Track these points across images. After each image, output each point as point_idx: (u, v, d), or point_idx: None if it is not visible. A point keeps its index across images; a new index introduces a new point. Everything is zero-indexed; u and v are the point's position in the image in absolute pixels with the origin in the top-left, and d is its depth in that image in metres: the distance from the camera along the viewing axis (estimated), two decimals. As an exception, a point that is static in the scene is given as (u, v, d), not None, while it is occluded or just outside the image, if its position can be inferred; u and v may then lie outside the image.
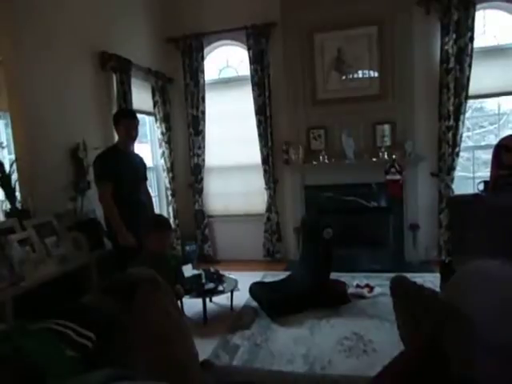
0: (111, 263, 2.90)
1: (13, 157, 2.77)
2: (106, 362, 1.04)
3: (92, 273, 2.71)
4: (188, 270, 3.93)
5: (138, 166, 3.13)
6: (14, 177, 2.63)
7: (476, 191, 3.27)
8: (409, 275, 1.22)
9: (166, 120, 4.61)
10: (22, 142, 2.76)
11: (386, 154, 4.14)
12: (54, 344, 0.99)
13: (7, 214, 2.57)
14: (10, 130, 2.85)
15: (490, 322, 0.85)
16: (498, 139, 3.51)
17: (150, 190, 3.50)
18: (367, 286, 3.46)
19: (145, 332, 1.17)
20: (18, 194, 2.65)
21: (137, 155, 3.30)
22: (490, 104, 4.45)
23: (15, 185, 2.61)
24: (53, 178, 2.93)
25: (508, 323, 0.81)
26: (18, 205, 2.61)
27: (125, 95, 3.68)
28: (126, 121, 2.95)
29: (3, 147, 3.32)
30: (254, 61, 4.50)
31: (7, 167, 2.61)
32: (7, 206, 2.58)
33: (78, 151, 3.15)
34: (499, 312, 0.97)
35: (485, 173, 4.06)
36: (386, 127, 4.25)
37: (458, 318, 0.87)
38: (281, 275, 3.81)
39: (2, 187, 2.59)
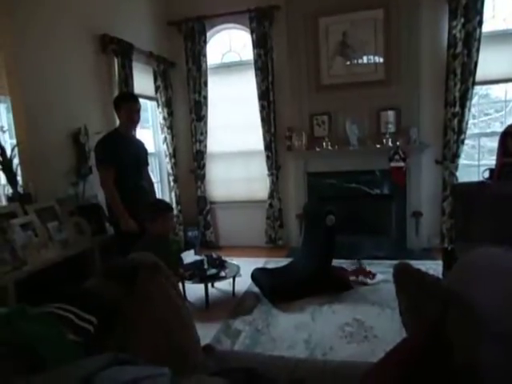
0: (113, 248, 2.91)
1: (14, 141, 2.76)
2: (107, 346, 1.04)
3: (94, 258, 2.72)
4: (190, 256, 3.95)
5: (140, 151, 3.10)
6: (16, 161, 2.62)
7: (481, 179, 3.25)
8: (411, 262, 1.21)
9: (168, 105, 4.57)
10: (23, 127, 2.74)
11: (390, 140, 4.10)
12: (54, 328, 0.99)
13: (9, 199, 2.57)
14: (10, 115, 2.83)
15: (495, 310, 0.84)
16: (503, 127, 3.47)
17: (152, 176, 3.48)
18: (369, 272, 3.46)
19: (146, 317, 1.17)
20: (19, 178, 2.65)
21: (138, 140, 3.26)
22: (496, 91, 4.37)
23: (16, 169, 2.60)
24: (54, 162, 2.92)
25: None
26: (20, 189, 2.61)
27: (126, 79, 3.63)
28: (127, 104, 2.89)
29: (4, 131, 3.30)
30: (257, 45, 4.43)
31: (8, 152, 2.60)
32: (9, 190, 2.57)
33: (79, 136, 3.13)
34: (503, 299, 0.96)
35: (490, 161, 4.02)
36: (391, 113, 4.19)
37: (461, 305, 0.86)
38: (283, 262, 3.82)
39: (4, 172, 2.58)
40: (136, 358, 0.85)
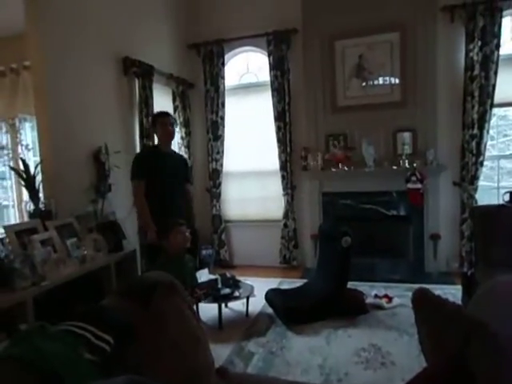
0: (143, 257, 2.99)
1: (37, 159, 2.85)
2: (122, 367, 1.04)
3: (110, 274, 2.74)
4: (204, 275, 3.95)
5: (178, 166, 3.22)
6: (39, 178, 2.70)
7: (501, 202, 3.18)
8: (429, 286, 1.19)
9: (186, 125, 4.67)
10: (46, 145, 2.84)
11: (406, 162, 4.07)
12: (73, 347, 1.00)
13: (31, 215, 2.64)
14: (35, 133, 2.93)
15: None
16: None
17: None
18: (386, 296, 3.38)
19: (161, 337, 1.17)
20: (41, 195, 2.72)
21: (178, 156, 3.48)
22: (516, 112, 4.33)
23: (39, 186, 2.68)
24: (75, 180, 3.00)
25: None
26: (41, 206, 2.68)
27: (146, 100, 3.74)
28: (161, 119, 3.11)
29: (29, 149, 3.42)
30: (274, 67, 4.51)
31: (32, 169, 2.68)
32: (31, 206, 2.64)
33: (99, 154, 3.21)
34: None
35: (509, 182, 3.95)
36: (407, 135, 4.17)
37: (485, 335, 0.84)
38: (297, 282, 3.77)
39: (27, 188, 2.66)
40: (151, 379, 0.85)
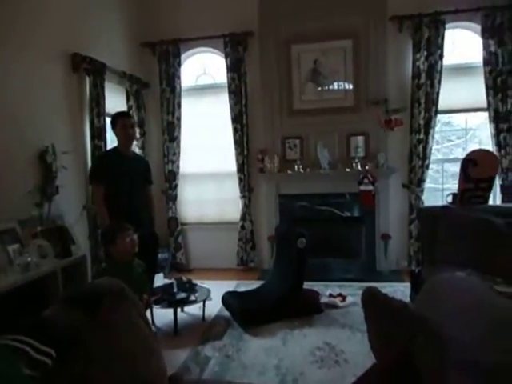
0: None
1: (-25, 159, 2.64)
2: (66, 381, 0.99)
3: (57, 282, 2.59)
4: (159, 279, 3.85)
5: (139, 169, 3.16)
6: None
7: (445, 203, 3.38)
8: (380, 284, 1.23)
9: (141, 125, 4.54)
10: (-15, 144, 2.64)
11: (359, 164, 4.22)
12: (10, 362, 0.92)
13: (-34, 220, 2.44)
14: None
15: (458, 338, 0.86)
16: (465, 153, 3.66)
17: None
18: (340, 295, 3.48)
19: (110, 347, 1.12)
20: (-21, 198, 2.52)
21: (139, 158, 3.42)
22: (458, 119, 4.63)
23: (-24, 189, 2.48)
24: (18, 182, 2.81)
25: (477, 339, 0.82)
26: (-21, 210, 2.48)
27: (98, 99, 3.58)
28: (121, 120, 3.03)
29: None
30: (231, 69, 4.50)
31: (-32, 170, 2.48)
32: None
33: (46, 155, 3.03)
34: (466, 327, 0.98)
35: (452, 185, 4.21)
36: (360, 139, 4.33)
37: (428, 333, 0.88)
38: (254, 284, 3.78)
39: (-38, 191, 2.46)
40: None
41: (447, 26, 4.09)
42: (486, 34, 4.00)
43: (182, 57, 4.69)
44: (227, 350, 2.71)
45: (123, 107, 4.29)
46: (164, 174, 4.75)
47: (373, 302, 1.13)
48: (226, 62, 4.52)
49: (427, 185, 4.33)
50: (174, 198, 4.76)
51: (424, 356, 0.89)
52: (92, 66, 3.55)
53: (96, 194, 2.98)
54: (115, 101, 4.09)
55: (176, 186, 4.76)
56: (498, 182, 4.01)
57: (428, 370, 0.87)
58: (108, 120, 3.35)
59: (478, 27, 4.06)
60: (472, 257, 2.61)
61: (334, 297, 3.45)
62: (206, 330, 3.05)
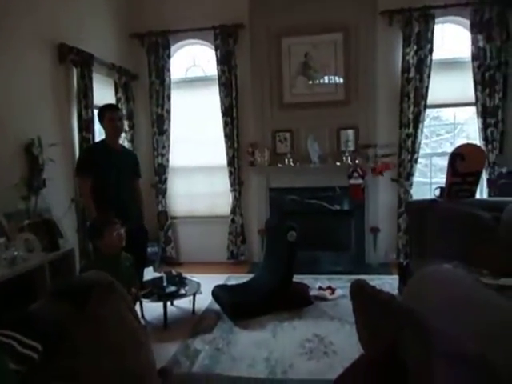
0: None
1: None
2: (54, 375, 0.98)
3: (45, 276, 2.56)
4: (149, 273, 3.82)
5: (127, 163, 3.12)
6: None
7: (433, 197, 3.42)
8: (369, 277, 1.25)
9: (130, 118, 4.48)
10: (-31, 136, 2.58)
11: (349, 158, 4.23)
12: (-6, 357, 0.91)
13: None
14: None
15: (444, 329, 0.87)
16: (453, 147, 3.69)
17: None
18: (329, 288, 3.51)
19: (98, 341, 1.11)
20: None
21: (127, 151, 3.39)
22: (446, 114, 4.67)
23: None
24: (3, 174, 2.75)
25: (464, 330, 0.84)
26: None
27: (86, 90, 3.53)
28: (108, 113, 2.98)
29: None
30: (221, 61, 4.46)
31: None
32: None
33: (32, 147, 2.98)
34: (451, 319, 1.00)
35: (441, 179, 4.26)
36: (350, 132, 4.34)
37: (415, 323, 0.89)
38: (245, 278, 3.79)
39: None
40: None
41: (437, 20, 4.10)
42: (474, 28, 4.02)
43: (172, 49, 4.63)
44: (217, 342, 2.72)
45: (112, 99, 4.24)
46: (154, 167, 4.71)
47: (361, 294, 1.14)
48: (216, 54, 4.47)
49: (416, 179, 4.38)
50: (163, 192, 4.73)
51: (411, 348, 0.90)
52: (79, 57, 3.48)
53: (83, 187, 2.94)
54: (103, 93, 4.04)
55: (166, 179, 4.72)
56: (484, 176, 4.07)
57: (415, 361, 0.88)
58: (96, 112, 3.30)
59: (467, 22, 4.08)
60: (459, 249, 2.65)
61: (324, 289, 3.48)
62: (196, 323, 3.06)
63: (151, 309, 3.14)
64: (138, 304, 2.92)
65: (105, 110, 3.03)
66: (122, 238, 2.41)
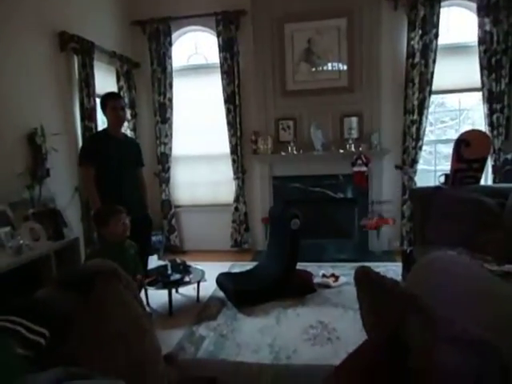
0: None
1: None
2: (60, 360, 0.99)
3: (50, 265, 2.59)
4: (153, 261, 3.86)
5: (129, 151, 3.08)
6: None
7: (437, 184, 3.40)
8: (372, 264, 1.24)
9: (132, 106, 4.46)
10: (-29, 126, 2.58)
11: (353, 146, 4.21)
12: (2, 342, 0.92)
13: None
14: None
15: (448, 314, 0.87)
16: (458, 134, 3.66)
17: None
18: (333, 275, 3.52)
19: (102, 327, 1.12)
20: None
21: (130, 140, 3.35)
22: (451, 100, 4.61)
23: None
24: (7, 164, 2.76)
25: (467, 315, 0.84)
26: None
27: (87, 79, 3.51)
28: (111, 102, 2.93)
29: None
30: (223, 48, 4.41)
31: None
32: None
33: (35, 136, 2.98)
34: (455, 304, 1.00)
35: (445, 166, 4.23)
36: (354, 119, 4.30)
37: (419, 308, 0.89)
38: (248, 265, 3.81)
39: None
40: (90, 371, 0.81)
41: (443, 3, 4.02)
42: (481, 12, 3.94)
43: (173, 36, 4.58)
44: (222, 329, 2.74)
45: (113, 88, 4.21)
46: (156, 156, 4.71)
47: (365, 279, 1.13)
48: (218, 41, 4.42)
49: (420, 166, 4.34)
50: (166, 181, 4.73)
51: (414, 332, 0.90)
52: (80, 45, 3.46)
53: (86, 177, 2.89)
54: (105, 81, 4.01)
55: (169, 168, 4.72)
56: (489, 163, 4.03)
57: (418, 346, 0.88)
58: (98, 101, 3.27)
59: (474, 5, 4.00)
60: (463, 236, 2.65)
61: (327, 277, 3.50)
62: (201, 310, 3.09)
63: (156, 296, 3.17)
64: (143, 292, 2.94)
65: (107, 98, 2.98)
66: (127, 227, 2.41)
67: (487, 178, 4.17)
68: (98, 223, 2.45)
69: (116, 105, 2.94)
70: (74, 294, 1.20)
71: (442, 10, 4.03)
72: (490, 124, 4.02)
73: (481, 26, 3.96)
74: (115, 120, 2.96)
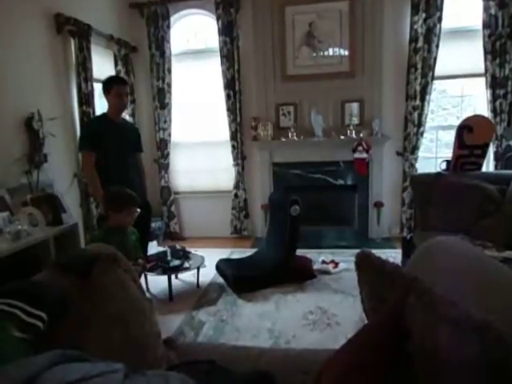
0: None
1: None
2: (59, 343, 0.98)
3: (49, 250, 2.58)
4: (153, 248, 3.86)
5: (129, 136, 3.03)
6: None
7: (438, 170, 3.38)
8: (372, 251, 1.23)
9: (130, 92, 4.40)
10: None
11: (353, 132, 4.17)
12: (-1, 325, 0.91)
13: (-47, 188, 2.38)
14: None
15: (449, 296, 0.86)
16: (459, 121, 3.61)
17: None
18: (332, 261, 3.53)
19: (102, 311, 1.11)
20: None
21: (130, 125, 3.28)
22: (453, 87, 4.54)
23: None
24: (4, 149, 2.73)
25: (466, 297, 0.83)
26: (-35, 178, 2.42)
27: (84, 62, 3.45)
28: (117, 87, 2.83)
29: None
30: (222, 32, 4.33)
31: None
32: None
33: (32, 121, 2.94)
34: (457, 286, 0.99)
35: (446, 154, 4.19)
36: (355, 105, 4.25)
37: (420, 291, 0.88)
38: (248, 252, 3.82)
39: None
40: (88, 354, 0.80)
41: (447, -14, 3.94)
42: (486, -6, 3.86)
43: (172, 19, 4.49)
44: (221, 314, 2.76)
45: (111, 72, 4.15)
46: (156, 142, 4.67)
47: (366, 264, 1.12)
48: (218, 24, 4.34)
49: (421, 154, 4.31)
50: (166, 167, 4.71)
51: (415, 315, 0.89)
52: (76, 28, 3.39)
53: (87, 162, 2.82)
54: (103, 65, 3.95)
55: (168, 154, 4.69)
56: (491, 149, 4.00)
57: (419, 328, 0.87)
58: (96, 85, 3.22)
59: (479, -12, 3.91)
60: (464, 222, 2.64)
61: (327, 263, 3.50)
62: (201, 296, 3.10)
63: (156, 282, 3.18)
64: (142, 277, 2.94)
65: (113, 82, 2.86)
66: (133, 221, 2.39)
67: (489, 165, 4.15)
68: (111, 206, 2.40)
69: (121, 90, 2.84)
70: (73, 278, 1.19)
71: (446, -8, 3.94)
72: (493, 110, 3.97)
73: (486, 9, 3.88)
74: (119, 106, 2.88)
